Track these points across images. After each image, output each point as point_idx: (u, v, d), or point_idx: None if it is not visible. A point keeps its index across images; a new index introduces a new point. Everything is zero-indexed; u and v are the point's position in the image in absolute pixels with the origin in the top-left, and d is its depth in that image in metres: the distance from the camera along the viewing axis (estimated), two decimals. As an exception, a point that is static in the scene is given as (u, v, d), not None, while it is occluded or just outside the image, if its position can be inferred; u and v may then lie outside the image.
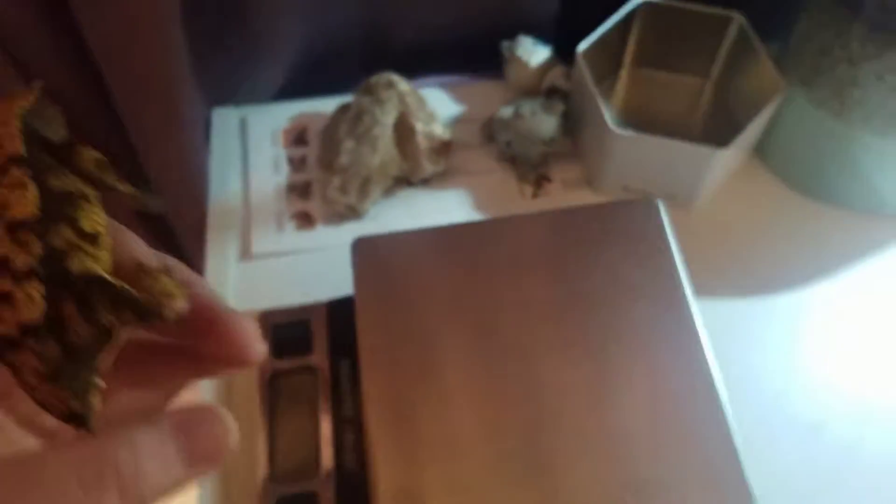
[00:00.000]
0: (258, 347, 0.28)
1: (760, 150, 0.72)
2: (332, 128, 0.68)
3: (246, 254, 0.66)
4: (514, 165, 0.69)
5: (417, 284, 0.56)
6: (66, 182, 0.26)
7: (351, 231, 0.66)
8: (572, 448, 0.49)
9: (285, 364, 0.58)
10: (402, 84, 0.66)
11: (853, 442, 0.58)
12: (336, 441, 0.55)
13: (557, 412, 0.50)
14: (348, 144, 0.65)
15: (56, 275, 0.24)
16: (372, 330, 0.54)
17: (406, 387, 0.52)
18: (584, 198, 0.68)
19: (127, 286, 0.25)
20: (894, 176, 0.68)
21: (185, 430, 0.25)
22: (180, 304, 0.25)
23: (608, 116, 0.62)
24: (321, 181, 0.67)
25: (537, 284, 0.55)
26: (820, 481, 0.57)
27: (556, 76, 0.67)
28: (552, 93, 0.68)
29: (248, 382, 0.59)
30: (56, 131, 0.29)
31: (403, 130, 0.66)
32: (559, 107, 0.65)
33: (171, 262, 0.28)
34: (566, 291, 0.55)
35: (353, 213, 0.66)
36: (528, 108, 0.64)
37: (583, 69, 0.64)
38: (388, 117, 0.65)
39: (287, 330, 0.59)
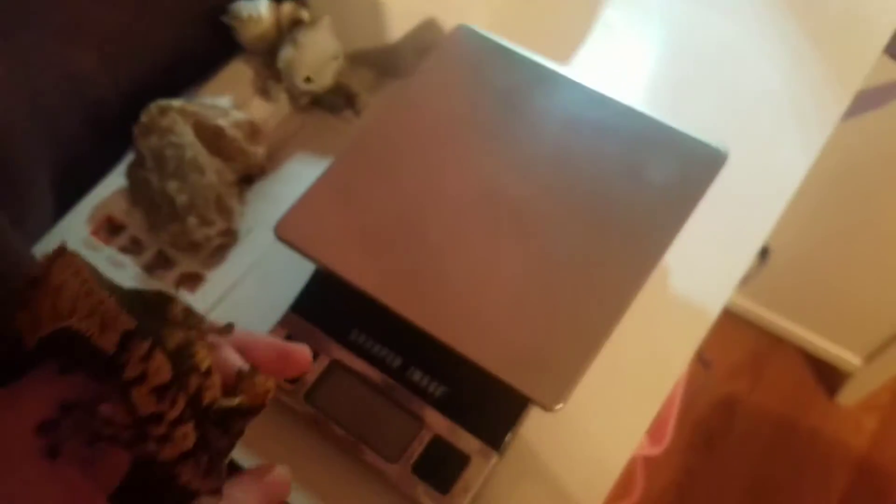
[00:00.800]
0: (307, 352, 0.40)
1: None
2: (140, 190, 0.61)
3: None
4: (320, 104, 0.67)
5: (356, 216, 0.53)
6: (176, 336, 0.34)
7: (239, 257, 0.62)
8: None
9: (309, 379, 0.53)
10: (172, 101, 0.61)
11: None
12: (410, 385, 0.52)
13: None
14: (172, 186, 0.59)
15: (197, 411, 0.33)
16: (367, 273, 0.51)
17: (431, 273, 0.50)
18: (395, 87, 0.69)
19: (243, 402, 0.35)
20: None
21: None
22: (274, 393, 0.36)
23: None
24: (173, 236, 0.60)
25: (443, 152, 0.56)
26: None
27: (291, 11, 0.66)
28: (296, 26, 0.66)
29: (287, 422, 0.53)
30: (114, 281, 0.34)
31: (210, 136, 0.61)
32: (323, 20, 0.64)
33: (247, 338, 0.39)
34: (470, 135, 0.56)
35: (230, 237, 0.61)
36: (301, 36, 0.63)
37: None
38: (187, 136, 0.60)
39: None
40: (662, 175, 0.52)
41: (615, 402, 0.54)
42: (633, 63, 0.71)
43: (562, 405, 0.45)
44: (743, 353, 1.67)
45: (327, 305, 0.55)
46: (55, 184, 0.63)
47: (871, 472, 1.55)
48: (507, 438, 0.50)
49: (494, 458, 0.50)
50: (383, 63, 0.69)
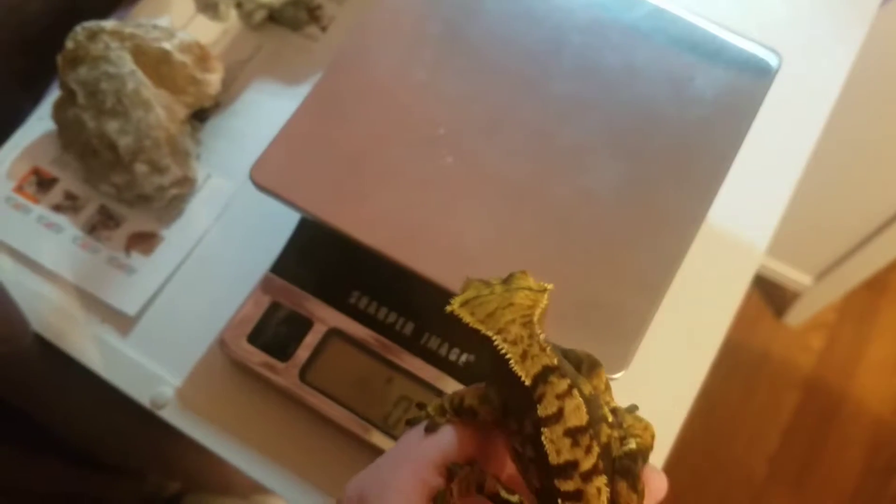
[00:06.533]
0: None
1: None
2: (72, 133, 0.50)
3: (123, 325, 0.48)
4: (277, 20, 0.56)
5: (350, 153, 0.44)
6: (587, 386, 0.31)
7: (198, 209, 0.52)
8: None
9: (304, 353, 0.44)
10: (105, 23, 0.50)
11: None
12: (424, 354, 0.44)
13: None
14: (112, 126, 0.48)
15: (608, 465, 0.29)
16: (368, 223, 0.42)
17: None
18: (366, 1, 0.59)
19: (638, 445, 0.30)
20: None
21: None
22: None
23: None
24: (118, 188, 0.50)
25: (445, 70, 0.46)
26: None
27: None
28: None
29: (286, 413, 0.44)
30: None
31: (153, 63, 0.50)
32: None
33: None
34: (474, 48, 0.47)
35: (187, 185, 0.51)
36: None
37: None
38: (126, 64, 0.49)
39: (265, 335, 0.45)
40: (710, 91, 0.44)
41: (669, 357, 0.47)
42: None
43: (623, 372, 0.38)
44: (691, 277, 1.65)
45: (318, 264, 0.46)
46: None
47: (818, 390, 1.57)
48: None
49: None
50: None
